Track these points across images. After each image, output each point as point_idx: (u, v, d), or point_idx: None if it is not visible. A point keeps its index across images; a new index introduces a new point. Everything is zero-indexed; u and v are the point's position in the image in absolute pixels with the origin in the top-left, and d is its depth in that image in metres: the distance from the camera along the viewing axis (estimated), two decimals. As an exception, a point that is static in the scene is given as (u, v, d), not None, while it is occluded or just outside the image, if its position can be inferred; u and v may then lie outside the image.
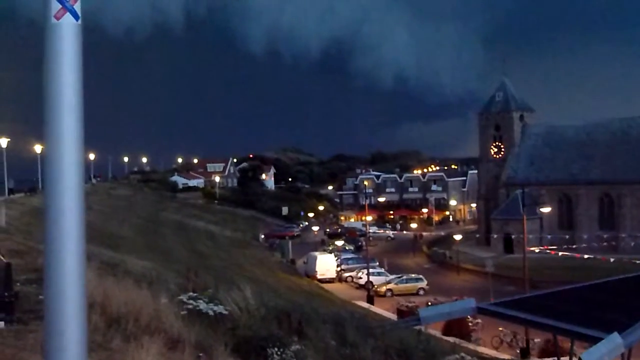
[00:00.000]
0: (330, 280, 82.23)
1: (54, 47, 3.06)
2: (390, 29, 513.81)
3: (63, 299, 3.05)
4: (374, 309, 61.91)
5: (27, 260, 21.48)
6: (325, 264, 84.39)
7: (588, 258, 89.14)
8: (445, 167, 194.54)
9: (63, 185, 3.05)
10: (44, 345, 3.12)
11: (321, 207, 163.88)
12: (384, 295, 72.55)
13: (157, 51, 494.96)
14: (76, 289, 3.07)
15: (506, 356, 42.36)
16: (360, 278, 79.42)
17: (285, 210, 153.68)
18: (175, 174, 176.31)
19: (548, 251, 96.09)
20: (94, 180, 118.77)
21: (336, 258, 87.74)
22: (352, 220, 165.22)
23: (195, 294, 15.88)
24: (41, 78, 3.14)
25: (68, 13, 3.08)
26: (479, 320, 47.78)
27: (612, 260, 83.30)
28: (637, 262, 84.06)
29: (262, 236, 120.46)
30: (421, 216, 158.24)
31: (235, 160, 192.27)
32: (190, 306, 14.58)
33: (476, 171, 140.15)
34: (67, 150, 3.05)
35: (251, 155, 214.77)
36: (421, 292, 74.52)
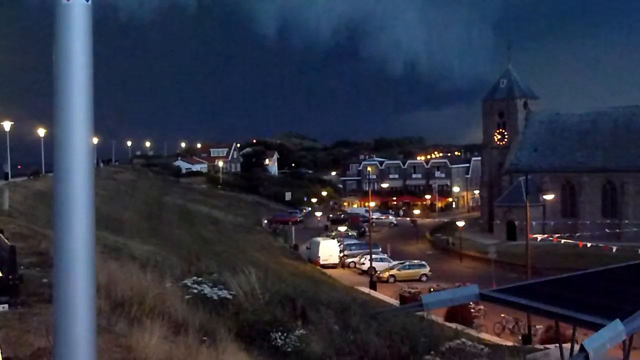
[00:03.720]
0: (333, 266, 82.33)
1: (64, 29, 3.04)
2: (400, 14, 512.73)
3: (72, 283, 3.04)
4: (377, 294, 62.04)
5: (30, 243, 21.54)
6: (328, 250, 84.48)
7: (590, 245, 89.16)
8: (449, 154, 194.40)
9: (73, 168, 3.03)
10: (53, 327, 3.12)
11: (324, 193, 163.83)
12: (386, 281, 72.64)
13: (163, 33, 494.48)
14: (86, 273, 3.06)
15: (508, 342, 42.47)
16: (363, 264, 79.57)
17: (288, 195, 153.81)
18: (179, 158, 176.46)
19: (551, 238, 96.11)
20: (101, 165, 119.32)
21: (339, 244, 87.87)
22: (355, 206, 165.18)
23: (199, 279, 15.92)
24: (50, 60, 3.12)
25: (78, -6, 3.06)
26: (482, 307, 47.87)
27: (614, 247, 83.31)
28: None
29: (265, 221, 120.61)
30: (424, 203, 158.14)
31: (238, 145, 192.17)
32: (195, 290, 14.62)
33: (480, 158, 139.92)
34: (77, 133, 3.03)
35: (255, 140, 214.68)
36: (424, 278, 74.59)
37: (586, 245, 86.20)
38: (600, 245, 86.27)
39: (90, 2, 3.10)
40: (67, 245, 3.04)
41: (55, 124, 3.07)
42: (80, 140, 3.05)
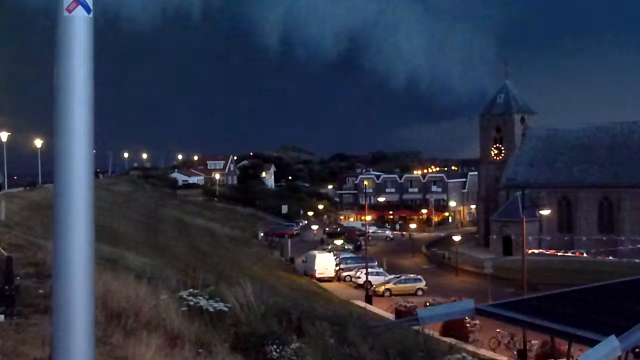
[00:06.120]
0: (328, 280, 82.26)
1: (66, 41, 3.07)
2: (401, 28, 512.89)
3: (71, 293, 3.05)
4: (372, 308, 61.95)
5: (27, 254, 21.51)
6: (324, 263, 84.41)
7: (587, 261, 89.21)
8: (446, 168, 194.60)
9: (73, 179, 3.04)
10: (51, 337, 3.13)
11: (321, 206, 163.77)
12: (382, 295, 72.55)
13: (159, 45, 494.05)
14: (84, 283, 3.07)
15: (504, 358, 42.48)
16: (359, 277, 79.47)
17: (284, 208, 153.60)
18: (176, 170, 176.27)
19: (547, 253, 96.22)
20: (101, 176, 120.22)
21: (335, 257, 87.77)
22: (352, 219, 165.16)
23: (195, 291, 15.92)
24: (52, 71, 3.14)
25: (80, 6, 3.09)
26: (477, 322, 47.76)
27: (610, 261, 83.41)
28: (636, 261, 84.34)
29: (262, 234, 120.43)
30: (421, 217, 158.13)
31: (235, 157, 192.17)
32: (191, 302, 14.61)
33: (476, 173, 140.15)
34: (77, 145, 3.05)
35: (251, 153, 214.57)
36: (420, 292, 74.51)
37: (582, 260, 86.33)
38: (596, 260, 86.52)
39: (91, 15, 3.13)
40: (66, 255, 3.05)
41: (55, 134, 3.09)
42: (80, 151, 3.06)
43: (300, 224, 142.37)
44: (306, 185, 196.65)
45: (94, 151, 3.23)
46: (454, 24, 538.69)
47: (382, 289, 74.98)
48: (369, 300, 67.25)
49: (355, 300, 65.05)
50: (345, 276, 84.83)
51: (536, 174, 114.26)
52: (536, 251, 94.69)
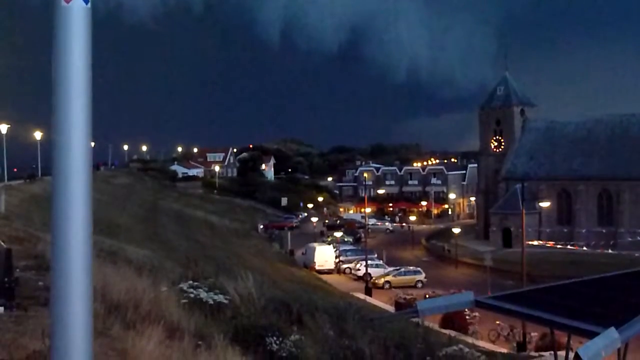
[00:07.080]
0: (328, 272, 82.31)
1: (63, 31, 3.05)
2: (402, 21, 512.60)
3: (70, 285, 3.04)
4: (372, 300, 61.98)
5: (26, 246, 21.49)
6: (324, 255, 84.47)
7: (586, 253, 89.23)
8: (445, 161, 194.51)
9: (71, 171, 3.03)
10: (50, 330, 3.12)
11: (320, 199, 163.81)
12: (381, 287, 72.61)
13: (159, 37, 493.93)
14: (83, 276, 3.06)
15: (503, 350, 42.45)
16: (359, 270, 79.51)
17: (284, 201, 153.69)
18: (175, 163, 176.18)
19: (547, 246, 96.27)
20: (102, 168, 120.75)
21: (335, 249, 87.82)
22: (351, 212, 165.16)
23: (195, 283, 15.92)
24: (49, 62, 3.12)
25: (78, -4, 3.07)
26: (477, 314, 47.79)
27: (609, 253, 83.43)
28: (636, 254, 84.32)
29: (261, 226, 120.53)
30: (420, 209, 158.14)
31: (235, 150, 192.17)
32: (191, 295, 14.62)
33: (476, 165, 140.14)
34: (75, 136, 3.03)
35: (251, 146, 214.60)
36: (419, 284, 74.59)
37: (581, 252, 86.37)
38: (596, 252, 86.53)
39: (89, 5, 3.10)
40: (65, 248, 3.04)
41: (54, 127, 3.07)
42: (79, 143, 3.05)
43: (300, 216, 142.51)
44: (306, 177, 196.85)
45: (93, 144, 3.22)
46: (454, 16, 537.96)
47: (381, 281, 75.04)
48: (368, 292, 67.32)
49: (355, 293, 65.09)
50: (345, 268, 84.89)
51: (536, 167, 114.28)
52: (536, 243, 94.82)
